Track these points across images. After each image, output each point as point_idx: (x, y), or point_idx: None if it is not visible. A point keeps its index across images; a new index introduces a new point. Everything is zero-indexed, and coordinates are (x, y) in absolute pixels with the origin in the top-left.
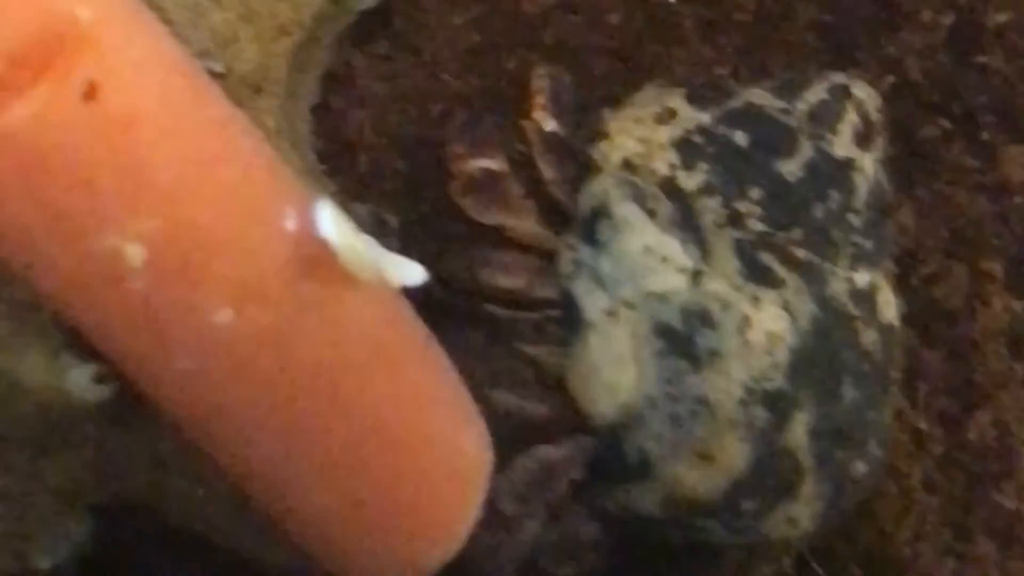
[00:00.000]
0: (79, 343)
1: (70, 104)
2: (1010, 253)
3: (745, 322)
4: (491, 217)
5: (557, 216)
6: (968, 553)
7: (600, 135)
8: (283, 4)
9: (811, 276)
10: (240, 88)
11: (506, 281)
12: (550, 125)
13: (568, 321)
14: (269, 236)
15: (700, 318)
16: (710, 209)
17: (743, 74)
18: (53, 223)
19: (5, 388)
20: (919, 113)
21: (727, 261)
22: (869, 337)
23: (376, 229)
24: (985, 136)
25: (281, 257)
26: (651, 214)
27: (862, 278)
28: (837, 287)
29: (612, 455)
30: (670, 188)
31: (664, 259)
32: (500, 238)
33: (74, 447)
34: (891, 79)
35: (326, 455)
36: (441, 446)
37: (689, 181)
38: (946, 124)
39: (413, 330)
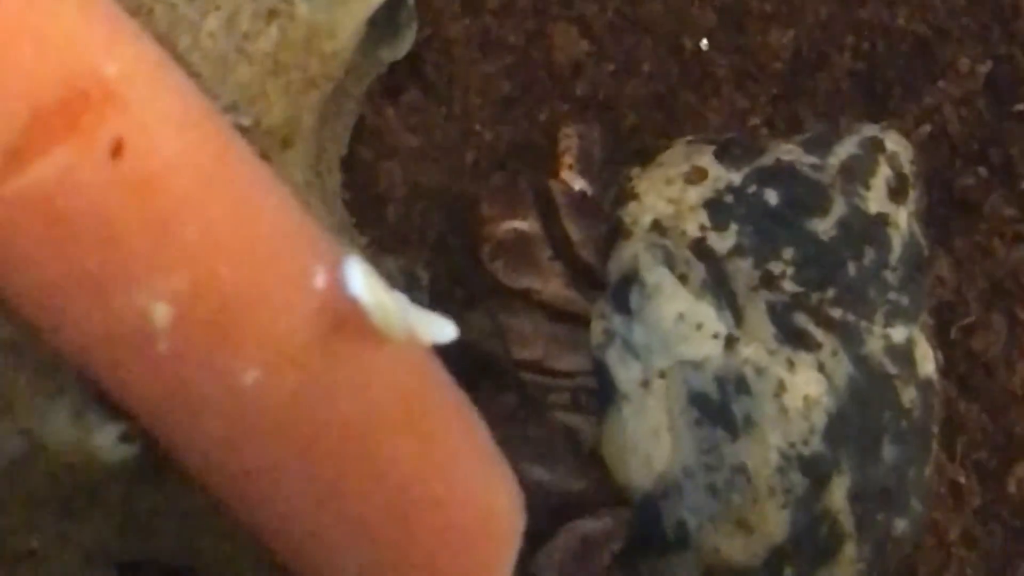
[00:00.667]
0: (104, 401)
1: (96, 162)
2: None
3: (781, 387)
4: (520, 281)
5: (586, 278)
6: None
7: (629, 196)
8: (313, 57)
9: (847, 336)
10: (268, 141)
11: (526, 352)
12: (578, 184)
13: (601, 392)
14: (298, 294)
15: (735, 385)
16: (742, 271)
17: (777, 124)
18: (79, 282)
19: (28, 448)
20: (956, 162)
21: (761, 325)
22: (908, 395)
23: (406, 284)
24: (1023, 185)
25: (310, 316)
26: (683, 279)
27: (899, 334)
28: (874, 345)
29: (649, 526)
30: (701, 250)
31: (698, 326)
32: (529, 300)
33: (101, 506)
34: (928, 128)
35: (357, 515)
36: (473, 505)
37: (720, 243)
38: (984, 173)
39: (444, 388)
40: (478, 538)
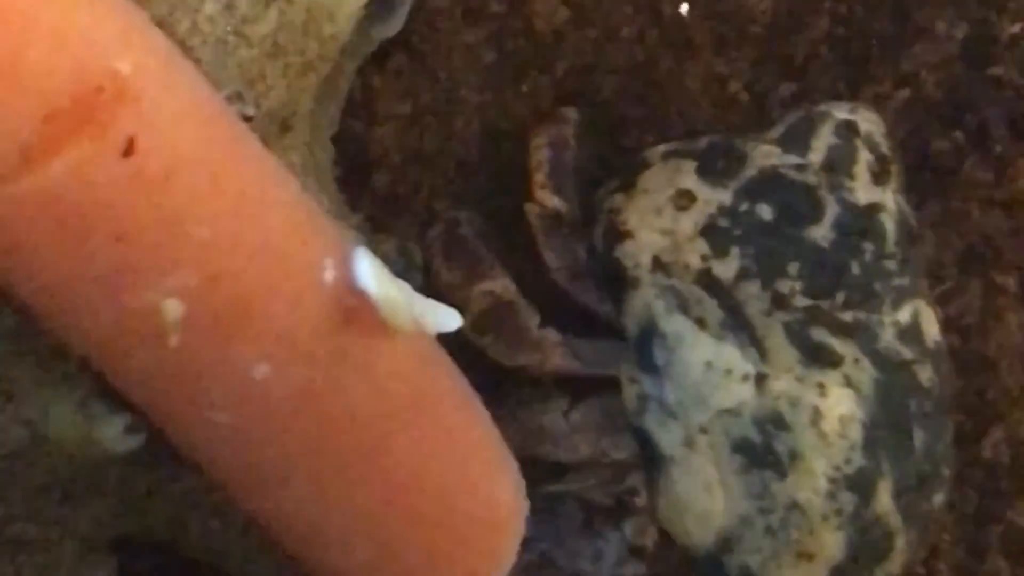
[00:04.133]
0: (109, 392)
1: (109, 160)
2: (1023, 268)
3: (817, 414)
4: (518, 359)
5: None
6: (981, 570)
7: (622, 234)
8: (311, 40)
9: (863, 337)
10: (267, 126)
11: (572, 454)
12: (553, 203)
13: (646, 458)
14: (307, 289)
15: (773, 423)
16: (752, 296)
17: (756, 89)
18: (91, 279)
19: (30, 439)
20: (933, 127)
21: (784, 352)
22: (925, 374)
23: (402, 262)
24: (998, 149)
25: (319, 309)
26: (701, 324)
27: (905, 314)
28: (887, 337)
29: (715, 574)
30: (707, 281)
31: (727, 372)
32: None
33: (99, 491)
34: (905, 93)
35: (363, 505)
36: (477, 494)
37: (725, 270)
38: (960, 138)
39: (450, 378)
40: (483, 527)
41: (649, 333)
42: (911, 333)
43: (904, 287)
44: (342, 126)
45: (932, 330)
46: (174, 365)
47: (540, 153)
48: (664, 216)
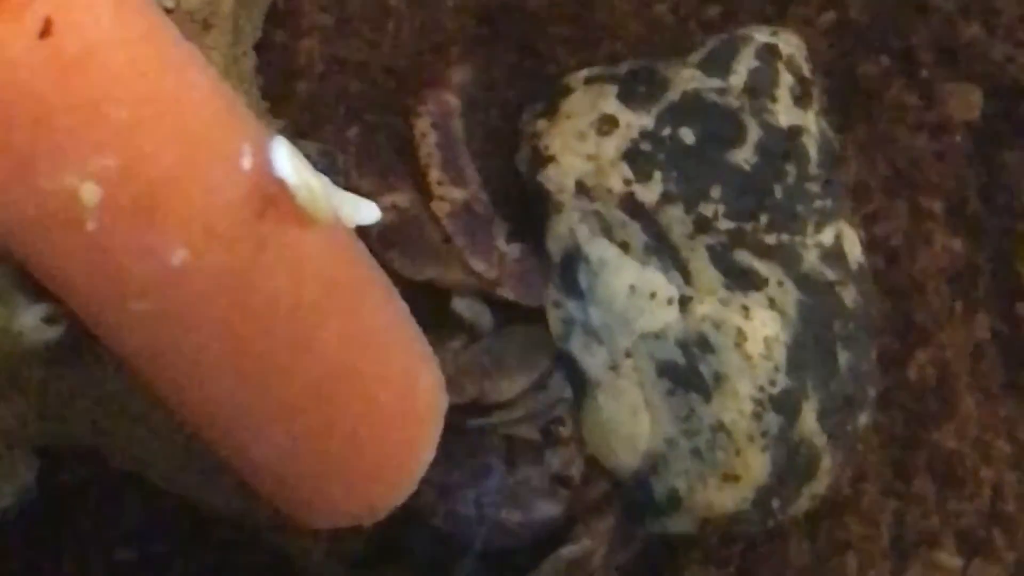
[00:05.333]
0: (29, 283)
1: (25, 41)
2: (950, 191)
3: (741, 336)
4: (424, 272)
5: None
6: (909, 493)
7: (545, 159)
8: None
9: (786, 259)
10: (187, 24)
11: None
12: (456, 194)
13: (572, 382)
14: (225, 175)
15: (698, 345)
16: (676, 219)
17: (682, 10)
18: (7, 162)
19: None
20: (859, 50)
21: (708, 275)
22: (849, 295)
23: (323, 163)
24: (925, 74)
25: (237, 196)
26: (624, 247)
27: (828, 236)
28: (810, 258)
29: (642, 499)
30: (630, 205)
31: (652, 295)
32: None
33: (21, 389)
34: (832, 15)
35: (282, 395)
36: (397, 386)
37: (648, 194)
38: (886, 62)
39: (368, 270)
40: (402, 416)
41: (573, 257)
42: (834, 255)
43: (827, 209)
44: (266, 36)
45: (855, 251)
46: (92, 251)
47: (427, 143)
48: (587, 141)
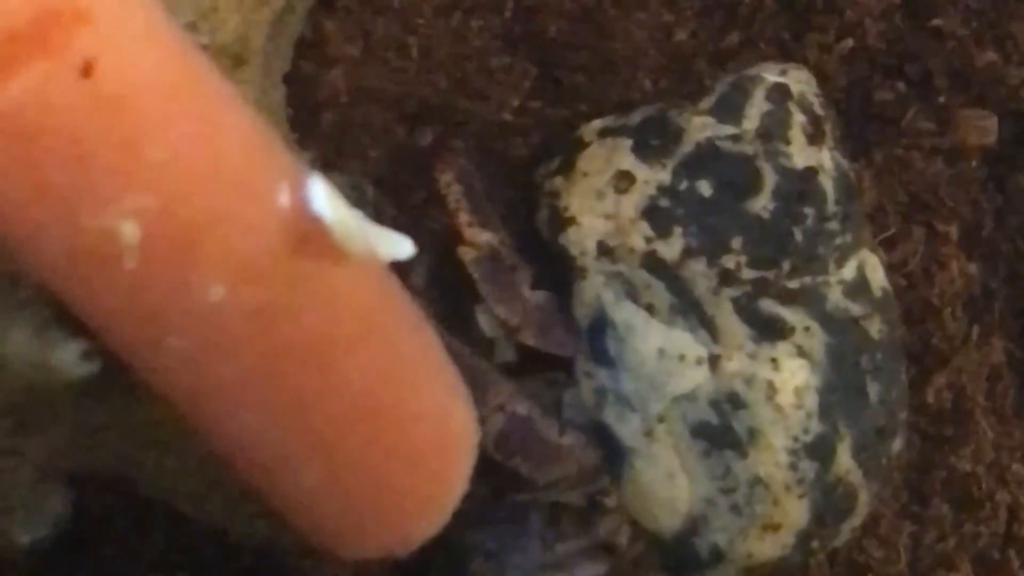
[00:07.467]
0: (65, 318)
1: (66, 81)
2: (965, 216)
3: (771, 389)
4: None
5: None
6: (925, 516)
7: (566, 221)
8: None
9: (810, 301)
10: (221, 60)
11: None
12: (485, 238)
13: (609, 452)
14: (263, 212)
15: (730, 403)
16: (699, 274)
17: (701, 37)
18: (47, 201)
19: None
20: (876, 76)
21: (734, 329)
22: (875, 327)
23: (354, 196)
24: (941, 100)
25: (274, 233)
26: (650, 310)
27: (850, 269)
28: (834, 296)
29: (686, 558)
30: (653, 263)
31: (680, 357)
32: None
33: (53, 420)
34: (849, 43)
35: (316, 430)
36: (430, 419)
37: (669, 250)
38: (902, 88)
39: (401, 305)
40: (434, 452)
41: (600, 324)
42: (858, 286)
43: (847, 244)
44: (292, 67)
45: (878, 276)
46: (130, 288)
47: (453, 191)
48: (605, 200)
